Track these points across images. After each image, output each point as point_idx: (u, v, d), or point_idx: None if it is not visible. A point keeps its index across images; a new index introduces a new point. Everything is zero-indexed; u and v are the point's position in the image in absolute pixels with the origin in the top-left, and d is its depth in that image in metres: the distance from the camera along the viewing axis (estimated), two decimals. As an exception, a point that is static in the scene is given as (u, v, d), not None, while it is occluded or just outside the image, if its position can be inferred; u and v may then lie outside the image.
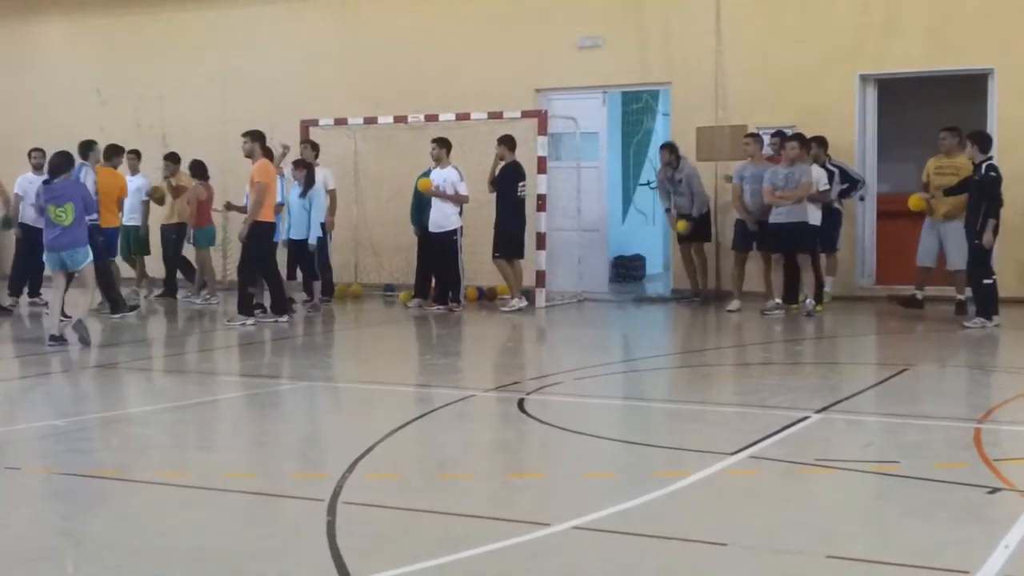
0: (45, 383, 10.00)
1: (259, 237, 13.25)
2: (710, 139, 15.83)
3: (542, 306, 15.19)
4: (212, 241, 16.08)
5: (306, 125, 16.71)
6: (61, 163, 11.93)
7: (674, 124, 16.77)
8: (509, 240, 14.93)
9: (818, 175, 13.77)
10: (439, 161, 14.82)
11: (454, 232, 14.73)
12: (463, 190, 14.76)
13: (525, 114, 15.77)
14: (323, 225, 15.48)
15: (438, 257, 14.89)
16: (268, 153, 13.82)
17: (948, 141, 13.56)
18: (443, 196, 14.64)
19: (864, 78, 15.42)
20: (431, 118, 16.14)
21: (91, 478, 6.29)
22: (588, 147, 16.85)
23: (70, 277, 12.06)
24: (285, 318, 13.55)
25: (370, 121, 16.67)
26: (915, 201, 13.25)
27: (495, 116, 15.76)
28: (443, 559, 4.74)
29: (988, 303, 12.36)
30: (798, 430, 7.26)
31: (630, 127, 19.56)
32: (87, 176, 13.89)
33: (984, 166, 12.32)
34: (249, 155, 13.46)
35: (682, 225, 15.17)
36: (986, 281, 12.37)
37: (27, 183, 15.38)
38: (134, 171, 16.59)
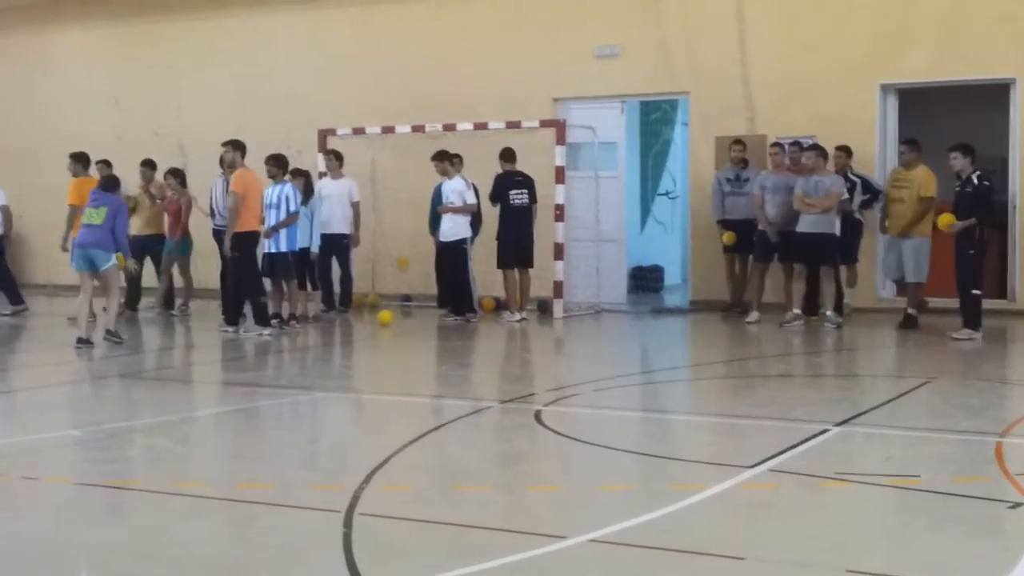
0: (61, 393, 10.01)
1: (245, 247, 13.19)
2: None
3: (559, 317, 15.15)
4: (187, 252, 15.81)
5: (323, 134, 16.72)
6: (110, 185, 12.75)
7: (693, 134, 16.72)
8: (500, 250, 14.96)
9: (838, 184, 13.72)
10: (446, 174, 14.88)
11: (463, 241, 14.76)
12: (471, 199, 14.79)
13: (543, 123, 15.76)
14: (349, 237, 15.51)
15: (449, 267, 14.91)
16: (284, 163, 13.93)
17: (908, 155, 13.60)
18: (452, 210, 14.70)
19: (884, 87, 15.35)
20: (448, 127, 16.15)
21: (107, 488, 6.29)
22: (606, 157, 16.81)
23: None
24: (267, 331, 13.32)
25: (388, 130, 16.67)
26: (947, 218, 12.45)
27: (513, 125, 15.76)
28: (459, 571, 4.71)
29: (975, 315, 12.28)
30: (818, 443, 7.21)
31: (649, 137, 19.51)
32: (217, 183, 14.54)
33: (975, 177, 12.23)
34: (231, 165, 13.56)
35: (729, 237, 15.01)
36: (974, 292, 12.28)
37: None
38: None
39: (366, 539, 5.19)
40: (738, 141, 15.17)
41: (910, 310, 13.28)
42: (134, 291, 15.88)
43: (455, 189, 14.76)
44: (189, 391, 10.28)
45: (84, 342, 12.08)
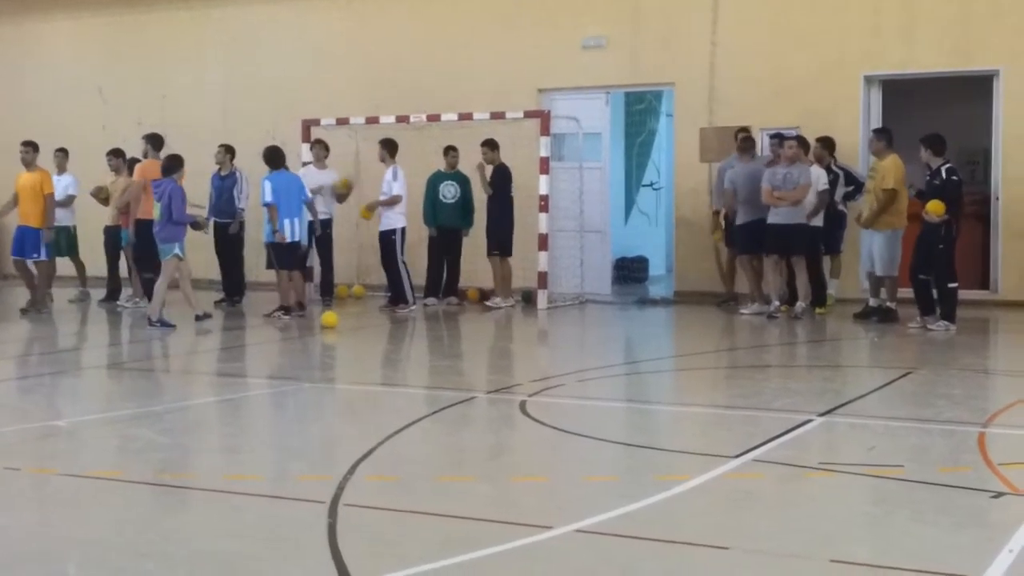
0: (44, 384, 9.98)
1: (140, 235, 14.22)
2: (713, 140, 15.79)
3: (544, 307, 15.16)
4: None
5: (308, 125, 16.69)
6: (171, 165, 13.27)
7: (677, 125, 16.75)
8: (504, 238, 15.09)
9: (818, 175, 13.71)
10: (383, 161, 15.01)
11: (394, 232, 14.88)
12: (397, 190, 14.90)
13: (528, 114, 15.76)
14: (329, 223, 15.52)
15: (382, 257, 15.09)
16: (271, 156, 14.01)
17: (874, 144, 13.39)
18: (382, 203, 14.90)
19: (868, 79, 15.38)
20: (433, 118, 16.13)
21: (92, 479, 6.27)
22: (591, 148, 16.83)
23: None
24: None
25: (372, 121, 16.63)
26: (935, 206, 12.12)
27: (497, 116, 15.75)
28: (444, 562, 4.71)
29: (951, 307, 12.29)
30: (801, 433, 7.24)
31: (633, 128, 19.53)
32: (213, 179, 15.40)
33: (944, 170, 12.16)
34: (144, 155, 14.57)
35: (718, 236, 15.07)
36: (950, 285, 12.25)
37: None
38: (61, 170, 16.28)
39: (351, 530, 5.19)
40: (744, 129, 15.12)
41: (889, 303, 13.18)
42: (114, 284, 15.86)
43: (384, 179, 14.88)
44: (173, 381, 10.26)
45: (202, 317, 13.23)
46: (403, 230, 14.91)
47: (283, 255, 13.90)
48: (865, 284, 13.91)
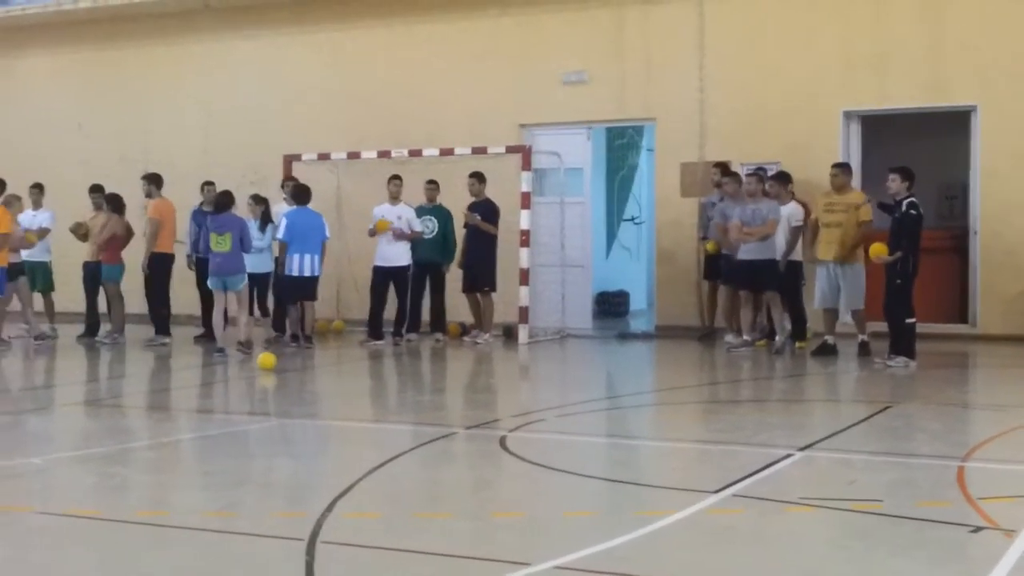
0: (21, 421, 9.91)
1: (158, 266, 14.91)
2: (694, 175, 15.86)
3: (524, 342, 15.15)
4: (119, 278, 15.52)
5: (289, 160, 16.70)
6: (225, 201, 13.76)
7: (659, 160, 16.80)
8: (492, 273, 15.12)
9: (792, 211, 13.69)
10: (396, 198, 15.18)
11: (408, 268, 15.10)
12: (418, 227, 15.19)
13: (509, 149, 15.82)
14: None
15: (394, 291, 15.22)
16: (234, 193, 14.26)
17: (840, 178, 13.27)
18: (404, 236, 15.05)
19: (848, 115, 15.48)
20: (415, 153, 16.18)
21: (69, 517, 6.21)
22: (572, 182, 16.87)
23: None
24: (167, 340, 14.95)
25: (353, 156, 16.67)
26: (877, 249, 12.25)
27: (479, 151, 15.81)
28: (422, 600, 4.68)
29: (910, 342, 12.19)
30: (781, 468, 7.23)
31: (614, 163, 19.60)
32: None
33: (905, 203, 12.07)
34: (148, 195, 15.31)
35: (712, 246, 14.70)
36: (908, 320, 12.16)
37: None
38: (37, 206, 16.23)
39: (329, 568, 5.15)
40: (718, 165, 15.16)
41: (863, 337, 13.11)
42: (93, 319, 15.76)
43: (407, 216, 15.10)
44: (151, 418, 10.19)
45: (220, 351, 13.36)
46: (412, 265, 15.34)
47: (292, 289, 14.34)
48: (844, 319, 13.77)
